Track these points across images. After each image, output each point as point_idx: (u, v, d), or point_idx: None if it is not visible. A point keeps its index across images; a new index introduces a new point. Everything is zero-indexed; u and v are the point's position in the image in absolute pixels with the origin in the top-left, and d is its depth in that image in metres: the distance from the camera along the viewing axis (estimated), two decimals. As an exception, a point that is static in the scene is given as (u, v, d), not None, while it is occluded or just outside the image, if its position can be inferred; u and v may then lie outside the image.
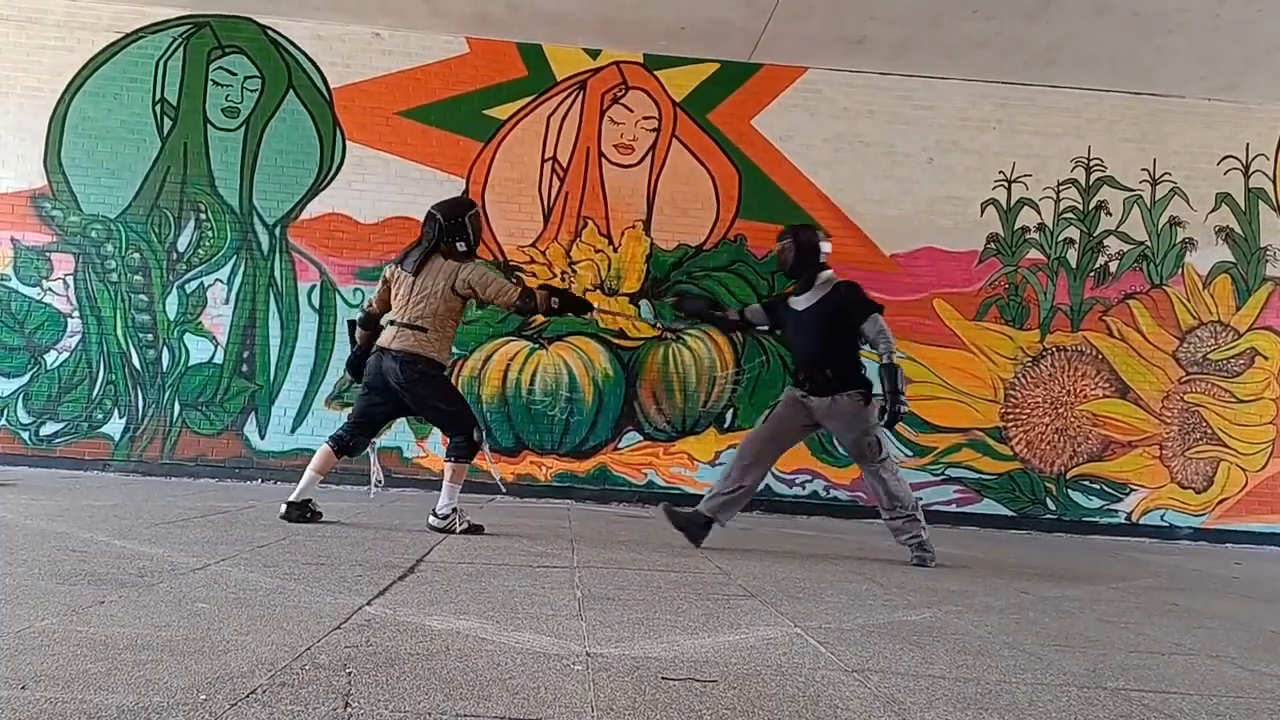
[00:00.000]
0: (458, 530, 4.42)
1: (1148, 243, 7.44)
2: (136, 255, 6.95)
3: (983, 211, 7.38)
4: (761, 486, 7.04)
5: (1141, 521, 7.26)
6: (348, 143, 7.12)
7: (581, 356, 7.10)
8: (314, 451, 4.66)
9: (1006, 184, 7.41)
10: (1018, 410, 7.29)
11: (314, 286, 7.04)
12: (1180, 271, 7.43)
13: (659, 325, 6.95)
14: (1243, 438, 7.36)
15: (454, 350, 6.88)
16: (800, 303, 4.62)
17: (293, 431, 6.93)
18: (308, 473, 4.51)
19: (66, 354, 6.87)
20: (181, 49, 7.07)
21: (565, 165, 7.22)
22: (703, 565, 4.00)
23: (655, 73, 7.30)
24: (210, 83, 7.07)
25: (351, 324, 4.81)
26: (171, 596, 2.61)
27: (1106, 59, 6.92)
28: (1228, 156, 7.49)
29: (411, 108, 7.16)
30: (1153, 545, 6.87)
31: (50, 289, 6.90)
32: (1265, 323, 7.42)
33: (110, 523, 4.08)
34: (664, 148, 7.27)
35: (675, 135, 7.28)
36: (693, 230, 7.22)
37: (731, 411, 7.12)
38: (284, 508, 4.47)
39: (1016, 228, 7.39)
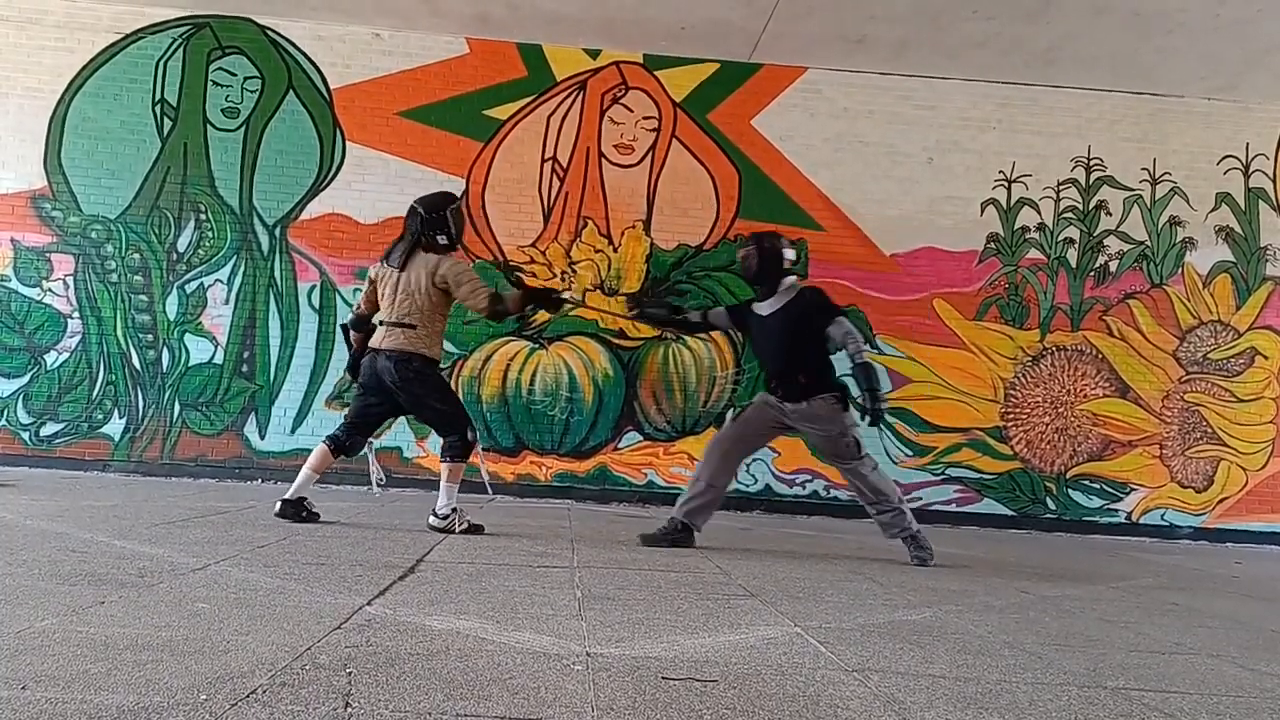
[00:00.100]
0: (458, 530, 4.42)
1: (1148, 242, 7.44)
2: (136, 256, 6.95)
3: (983, 211, 7.38)
4: (761, 487, 7.20)
5: (1142, 521, 7.26)
6: (348, 143, 7.12)
7: (581, 356, 7.10)
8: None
9: (1006, 184, 7.41)
10: (1018, 410, 7.29)
11: (314, 287, 7.05)
12: (1180, 271, 7.43)
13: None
14: (1243, 437, 7.36)
15: (454, 350, 6.94)
16: (764, 308, 4.61)
17: (293, 432, 6.93)
18: (304, 471, 4.52)
19: (66, 354, 6.87)
20: (181, 49, 7.07)
21: (565, 165, 7.22)
22: (703, 565, 4.00)
23: (655, 73, 7.30)
24: (210, 83, 7.07)
25: (344, 329, 4.82)
26: (171, 597, 2.61)
27: (1107, 59, 6.92)
28: (1228, 156, 7.49)
29: (411, 108, 7.16)
30: (1153, 545, 6.87)
31: (50, 289, 6.90)
32: (1265, 322, 7.42)
33: (110, 523, 4.08)
34: (664, 148, 7.27)
35: (675, 135, 7.28)
36: (693, 230, 7.22)
37: (731, 411, 7.12)
38: (279, 505, 4.48)
39: (1016, 227, 7.39)
